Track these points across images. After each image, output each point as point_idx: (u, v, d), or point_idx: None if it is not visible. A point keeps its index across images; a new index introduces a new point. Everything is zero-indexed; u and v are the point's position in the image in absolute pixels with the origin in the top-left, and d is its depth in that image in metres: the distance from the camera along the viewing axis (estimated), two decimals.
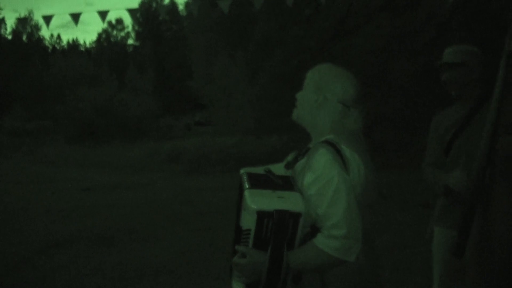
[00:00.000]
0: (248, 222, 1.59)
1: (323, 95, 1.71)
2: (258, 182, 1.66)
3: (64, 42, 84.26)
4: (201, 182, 11.06)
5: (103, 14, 4.63)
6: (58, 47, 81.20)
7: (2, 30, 63.69)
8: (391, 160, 11.11)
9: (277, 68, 15.47)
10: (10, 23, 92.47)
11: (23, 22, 71.48)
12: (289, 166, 1.74)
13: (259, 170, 1.75)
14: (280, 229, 1.55)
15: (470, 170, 2.31)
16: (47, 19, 5.20)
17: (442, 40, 12.88)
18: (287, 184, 1.65)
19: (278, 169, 1.74)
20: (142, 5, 64.12)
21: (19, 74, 44.61)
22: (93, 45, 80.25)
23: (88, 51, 77.82)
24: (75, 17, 4.59)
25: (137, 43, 67.71)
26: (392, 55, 14.73)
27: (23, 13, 73.36)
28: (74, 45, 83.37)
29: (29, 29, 73.27)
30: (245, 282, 1.68)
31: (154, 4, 65.47)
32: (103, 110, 24.01)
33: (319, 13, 14.85)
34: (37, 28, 74.67)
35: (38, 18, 73.76)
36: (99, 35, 76.26)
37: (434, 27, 13.58)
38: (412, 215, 6.21)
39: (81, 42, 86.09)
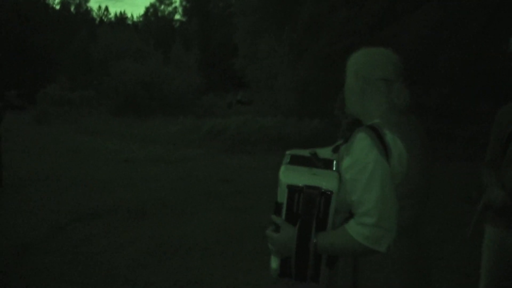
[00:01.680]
0: (281, 196, 1.60)
1: (362, 79, 1.67)
2: (298, 161, 1.68)
3: (112, 15, 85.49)
4: (240, 161, 11.05)
5: None
6: (105, 19, 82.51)
7: (51, 0, 64.87)
8: (435, 151, 10.81)
9: (324, 51, 15.22)
10: None
11: None
12: (335, 150, 1.72)
13: (305, 152, 1.73)
14: (309, 205, 1.54)
15: None
16: None
17: (492, 28, 12.40)
18: (327, 165, 1.64)
19: (325, 152, 1.72)
20: None
21: (66, 44, 45.54)
22: (140, 19, 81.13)
23: (135, 24, 78.76)
24: None
25: (183, 19, 67.93)
26: (441, 43, 14.25)
27: None
28: (121, 18, 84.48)
29: (77, 0, 74.62)
30: (278, 256, 1.67)
31: None
32: (147, 84, 24.24)
33: None
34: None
35: None
36: (147, 9, 77.01)
37: (485, 15, 13.07)
38: (453, 210, 6.00)
39: (129, 15, 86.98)
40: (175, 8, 72.86)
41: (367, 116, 1.68)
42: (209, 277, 4.15)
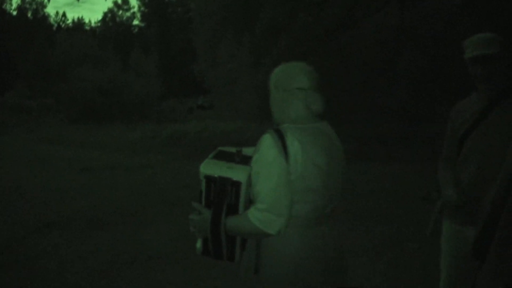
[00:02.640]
0: (202, 185, 1.88)
1: (281, 89, 1.91)
2: (221, 156, 1.93)
3: (70, 21, 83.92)
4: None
5: None
6: (63, 25, 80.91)
7: (7, 6, 63.29)
8: (394, 152, 10.97)
9: (283, 55, 15.25)
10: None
11: None
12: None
13: (232, 149, 1.98)
14: (221, 193, 1.80)
15: (483, 170, 2.20)
16: None
17: (451, 32, 12.72)
18: (245, 161, 1.87)
19: (251, 151, 1.88)
20: None
21: (24, 51, 44.41)
22: (99, 25, 79.83)
23: (93, 30, 77.48)
24: None
25: (142, 24, 67.21)
26: (399, 47, 14.53)
27: None
28: (79, 23, 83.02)
29: (34, 6, 72.96)
30: (200, 237, 1.96)
31: None
32: (106, 90, 23.84)
33: (328, 0, 14.61)
34: (42, 5, 74.39)
35: None
36: (105, 14, 75.81)
37: (444, 19, 13.40)
38: (413, 209, 6.07)
39: (87, 21, 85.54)
40: (134, 13, 72.01)
41: (287, 121, 1.87)
42: (169, 285, 4.06)
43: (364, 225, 5.50)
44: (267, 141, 1.76)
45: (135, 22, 71.45)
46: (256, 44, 16.40)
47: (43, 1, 73.32)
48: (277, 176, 1.72)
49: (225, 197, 1.80)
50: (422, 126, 12.39)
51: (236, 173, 1.81)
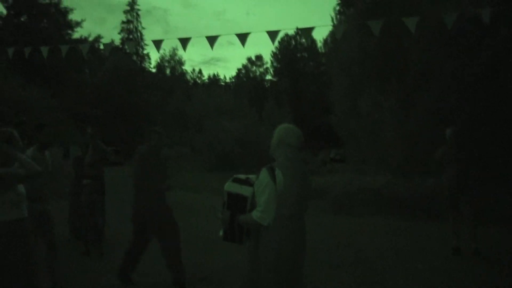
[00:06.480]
0: (224, 197, 3.45)
1: (277, 141, 3.37)
2: (237, 180, 3.46)
3: (206, 77, 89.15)
4: (350, 223, 9.93)
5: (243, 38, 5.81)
6: (199, 81, 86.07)
7: (147, 64, 68.90)
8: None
9: (434, 104, 14.00)
10: (155, 58, 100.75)
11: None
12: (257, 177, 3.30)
13: (243, 176, 3.48)
14: (236, 202, 3.38)
15: None
16: (157, 43, 6.26)
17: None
18: (250, 184, 3.37)
19: (253, 177, 3.40)
20: (281, 42, 65.74)
21: (162, 103, 47.37)
22: (233, 80, 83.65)
23: (227, 85, 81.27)
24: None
25: (275, 79, 68.99)
26: None
27: (167, 50, 79.16)
28: (214, 79, 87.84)
29: (172, 64, 78.74)
30: (222, 227, 3.49)
31: (293, 42, 66.65)
32: (242, 141, 23.98)
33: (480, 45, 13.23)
34: (180, 63, 80.00)
35: (182, 54, 79.05)
36: (239, 70, 79.29)
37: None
38: None
39: (222, 77, 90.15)
40: (266, 68, 74.41)
41: (278, 159, 3.33)
42: None
43: None
44: (264, 173, 3.19)
45: (268, 77, 73.64)
46: (405, 92, 15.28)
47: (181, 59, 78.98)
48: (268, 193, 3.14)
49: (239, 203, 3.36)
50: None
51: (245, 191, 3.35)
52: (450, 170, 7.10)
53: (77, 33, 44.22)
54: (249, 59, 76.23)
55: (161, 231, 5.41)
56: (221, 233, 3.49)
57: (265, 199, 3.11)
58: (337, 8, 24.59)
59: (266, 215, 3.12)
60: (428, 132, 13.79)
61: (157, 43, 6.20)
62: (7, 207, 3.61)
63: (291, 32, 65.57)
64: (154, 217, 5.34)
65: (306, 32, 5.50)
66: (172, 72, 78.42)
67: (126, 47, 61.36)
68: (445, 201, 7.43)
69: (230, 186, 3.41)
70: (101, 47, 49.16)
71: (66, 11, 43.83)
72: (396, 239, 8.08)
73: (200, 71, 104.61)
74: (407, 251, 7.19)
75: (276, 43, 68.82)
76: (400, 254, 6.95)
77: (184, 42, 5.91)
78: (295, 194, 3.21)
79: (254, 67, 76.16)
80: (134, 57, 63.19)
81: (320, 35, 71.74)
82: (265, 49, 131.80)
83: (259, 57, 75.91)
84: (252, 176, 3.41)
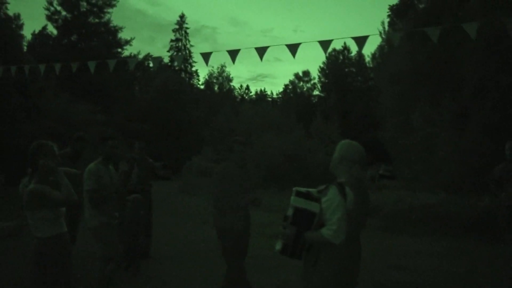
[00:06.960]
0: (289, 211, 3.30)
1: (340, 157, 3.37)
2: (300, 194, 3.28)
3: (253, 93, 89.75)
4: (406, 244, 9.49)
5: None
6: (246, 97, 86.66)
7: (195, 81, 70.12)
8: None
9: (490, 118, 13.39)
10: (203, 75, 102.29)
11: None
12: (319, 191, 3.29)
13: (304, 190, 3.31)
14: (303, 218, 3.22)
15: None
16: (205, 56, 6.17)
17: None
18: (314, 199, 3.24)
19: (314, 191, 3.32)
20: (329, 57, 65.39)
21: (210, 119, 47.87)
22: (280, 96, 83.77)
23: (274, 101, 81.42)
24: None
25: (322, 94, 68.58)
26: None
27: (215, 67, 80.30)
28: (262, 95, 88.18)
29: (220, 81, 79.85)
30: (283, 241, 3.29)
31: (340, 57, 66.23)
32: (290, 156, 23.70)
33: None
34: (228, 79, 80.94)
35: (229, 70, 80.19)
36: (286, 86, 79.36)
37: None
38: None
39: (269, 92, 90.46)
40: (314, 84, 74.16)
41: (338, 176, 3.35)
42: None
43: None
44: (334, 190, 3.18)
45: (315, 92, 73.31)
46: (460, 106, 14.70)
47: (229, 76, 79.98)
48: (341, 210, 3.11)
49: (306, 220, 3.23)
50: None
51: (313, 207, 3.22)
52: (510, 188, 6.63)
53: (127, 51, 45.37)
54: (296, 75, 76.24)
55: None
56: (277, 247, 3.33)
57: (338, 217, 3.08)
58: (388, 20, 24.21)
59: (340, 234, 3.07)
60: (485, 148, 13.19)
61: (206, 56, 6.13)
62: (41, 224, 3.63)
63: (342, 43, 65.35)
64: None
65: (359, 40, 5.27)
66: (220, 89, 79.34)
67: (176, 64, 62.54)
68: (503, 222, 6.92)
69: (296, 201, 3.24)
70: (150, 64, 50.36)
71: (115, 30, 45.20)
72: (452, 261, 7.65)
73: (247, 87, 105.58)
74: (465, 275, 6.75)
75: (324, 57, 68.81)
76: (457, 280, 6.53)
77: (233, 54, 5.81)
78: (363, 213, 3.27)
79: (301, 83, 76.07)
80: (183, 74, 64.36)
81: (367, 50, 70.89)
82: (313, 65, 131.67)
83: (306, 73, 75.84)
84: (312, 190, 3.31)
